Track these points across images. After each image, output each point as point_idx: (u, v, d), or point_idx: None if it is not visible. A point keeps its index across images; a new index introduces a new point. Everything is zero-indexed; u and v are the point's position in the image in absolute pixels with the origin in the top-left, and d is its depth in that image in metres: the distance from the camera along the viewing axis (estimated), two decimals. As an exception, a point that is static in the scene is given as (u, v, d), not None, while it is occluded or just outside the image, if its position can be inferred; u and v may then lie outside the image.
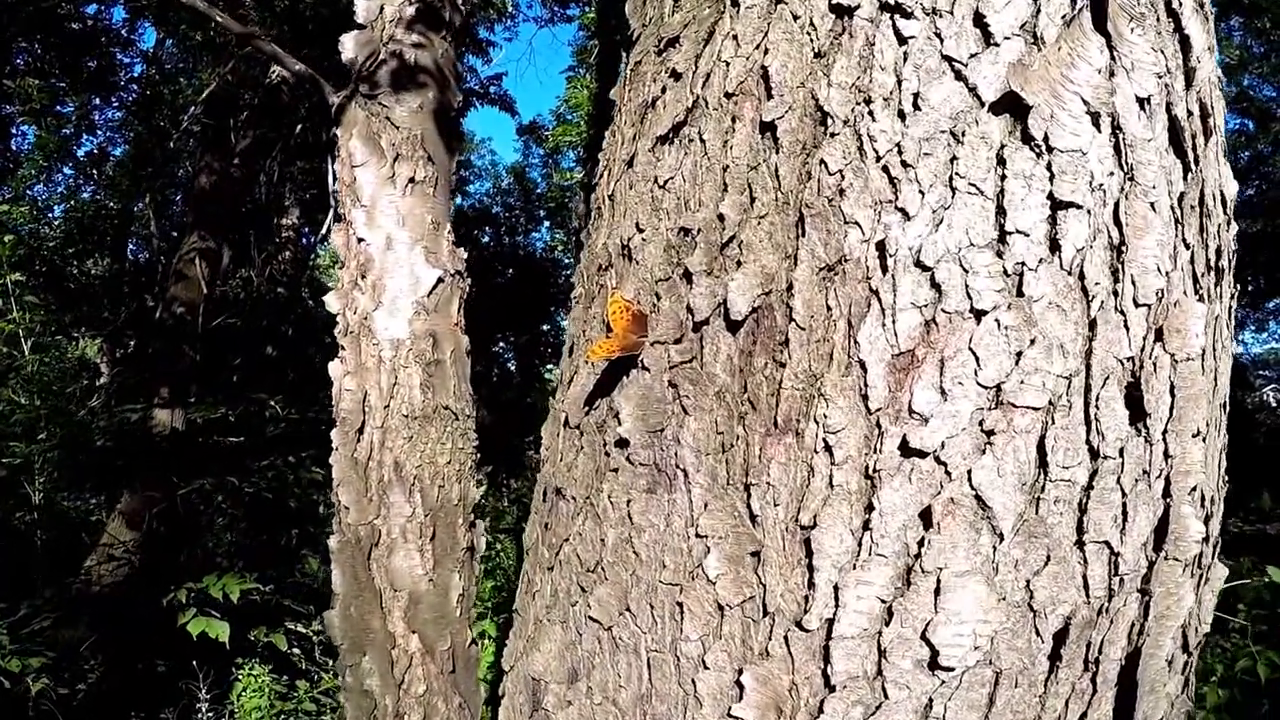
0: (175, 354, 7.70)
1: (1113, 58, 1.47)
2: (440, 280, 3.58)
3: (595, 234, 2.02)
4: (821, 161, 1.56)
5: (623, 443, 1.73)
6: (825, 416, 1.51)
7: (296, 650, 5.88)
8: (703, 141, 1.73)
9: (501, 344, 15.90)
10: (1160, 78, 1.51)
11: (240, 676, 5.48)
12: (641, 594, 1.69)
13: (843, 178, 1.54)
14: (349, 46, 3.75)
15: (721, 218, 1.65)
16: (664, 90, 1.87)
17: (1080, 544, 1.47)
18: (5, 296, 7.32)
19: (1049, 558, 1.46)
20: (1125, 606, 1.49)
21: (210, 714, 5.32)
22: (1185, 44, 1.58)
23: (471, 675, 3.72)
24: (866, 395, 1.49)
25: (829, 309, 1.53)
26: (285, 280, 10.19)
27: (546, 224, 22.05)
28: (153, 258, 12.79)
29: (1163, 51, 1.53)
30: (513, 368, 16.33)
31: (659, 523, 1.67)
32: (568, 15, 17.33)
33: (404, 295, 3.55)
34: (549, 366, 16.08)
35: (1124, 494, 1.46)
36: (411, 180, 3.64)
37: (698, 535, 1.61)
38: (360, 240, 3.58)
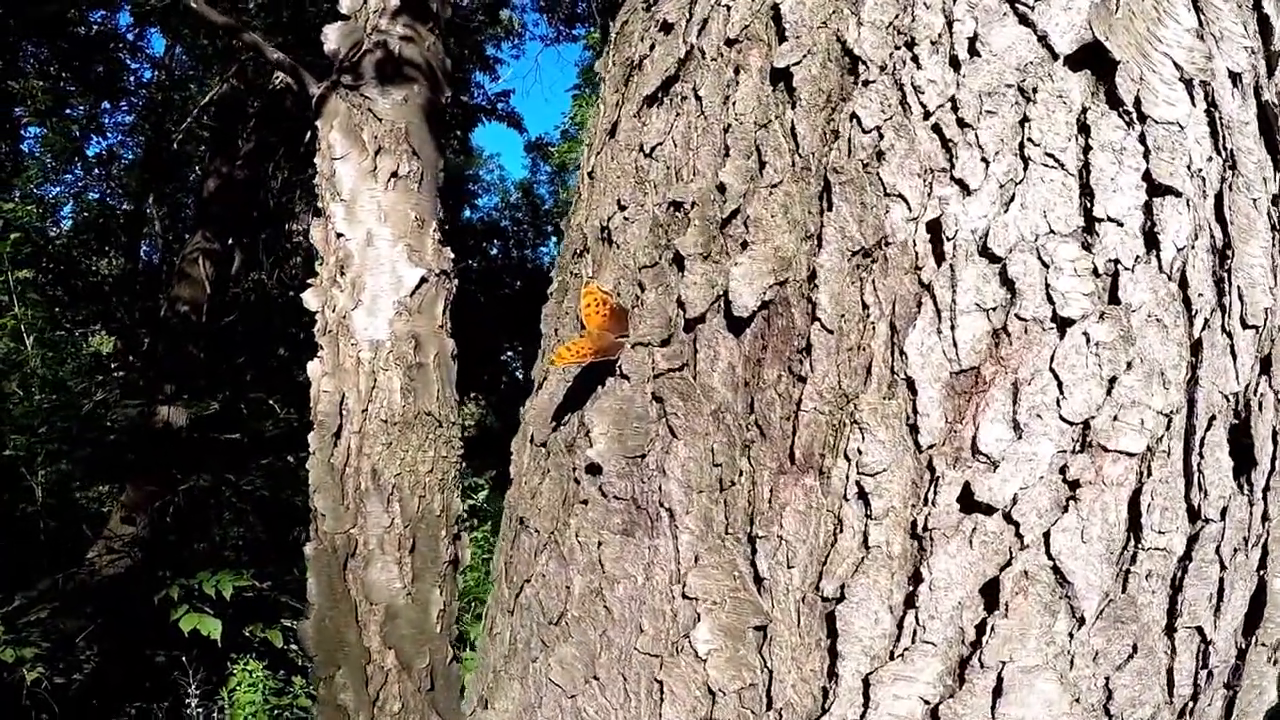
0: (179, 352, 7.37)
1: (1199, 21, 1.08)
2: (424, 280, 3.14)
3: (573, 216, 1.58)
4: (853, 116, 1.11)
5: (594, 469, 1.27)
6: (860, 453, 1.06)
7: (294, 646, 5.52)
8: (698, 98, 1.28)
9: (510, 352, 15.68)
10: (1250, 54, 1.13)
11: (235, 671, 5.16)
12: (613, 660, 1.23)
13: (881, 137, 1.09)
14: (332, 38, 3.34)
15: (722, 188, 1.19)
16: (653, 47, 1.41)
17: (1170, 630, 1.07)
18: (9, 293, 7.03)
19: (1135, 648, 1.05)
20: (1210, 706, 1.14)
21: (200, 709, 4.96)
22: (1265, 26, 1.19)
23: (452, 693, 3.29)
24: (916, 426, 1.05)
25: (865, 307, 1.08)
26: (296, 284, 9.83)
27: (554, 239, 21.77)
28: (161, 259, 12.53)
29: (1246, 26, 1.14)
30: (520, 375, 16.04)
31: (636, 574, 1.22)
32: (573, 35, 16.96)
33: (385, 294, 3.12)
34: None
35: (1223, 566, 1.09)
36: (394, 174, 3.21)
37: (685, 596, 1.15)
38: (339, 235, 3.16)
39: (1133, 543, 1.04)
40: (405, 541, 3.13)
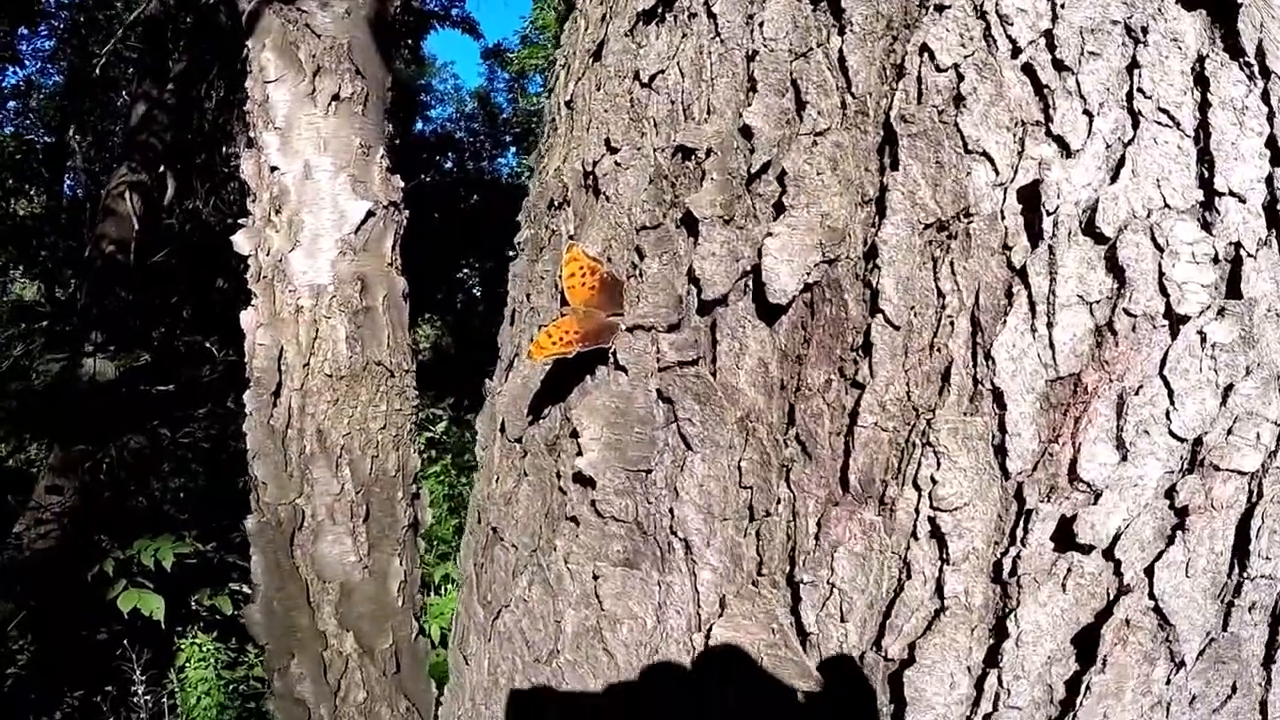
0: (106, 297, 7.08)
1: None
2: (370, 214, 2.86)
3: (547, 156, 1.35)
4: (924, 49, 0.90)
5: (585, 480, 1.08)
6: (935, 482, 0.88)
7: (243, 609, 5.37)
8: (712, 15, 1.05)
9: (466, 270, 15.34)
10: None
11: (183, 646, 4.98)
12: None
13: (959, 78, 0.89)
14: (263, -61, 3.05)
15: (748, 132, 0.98)
16: (648, -55, 1.17)
17: (1269, 662, 0.93)
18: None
19: (1234, 688, 0.93)
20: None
21: (148, 696, 4.80)
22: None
23: (420, 673, 3.13)
24: (1004, 448, 0.87)
25: (941, 296, 0.89)
26: (234, 211, 9.54)
27: (512, 149, 21.39)
28: (87, 193, 12.13)
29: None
30: (478, 293, 15.76)
31: (644, 615, 1.04)
32: (536, -68, 16.38)
33: (326, 233, 2.85)
34: (515, 293, 15.82)
35: (1326, 583, 0.95)
36: (335, 97, 2.91)
37: (710, 649, 0.98)
38: (273, 169, 2.87)
39: (1238, 572, 0.90)
40: (358, 509, 2.91)
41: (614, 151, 1.14)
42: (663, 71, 1.09)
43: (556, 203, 1.26)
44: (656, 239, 1.05)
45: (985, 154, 0.89)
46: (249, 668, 5.02)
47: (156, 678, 4.88)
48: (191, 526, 5.92)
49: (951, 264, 0.89)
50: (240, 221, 3.02)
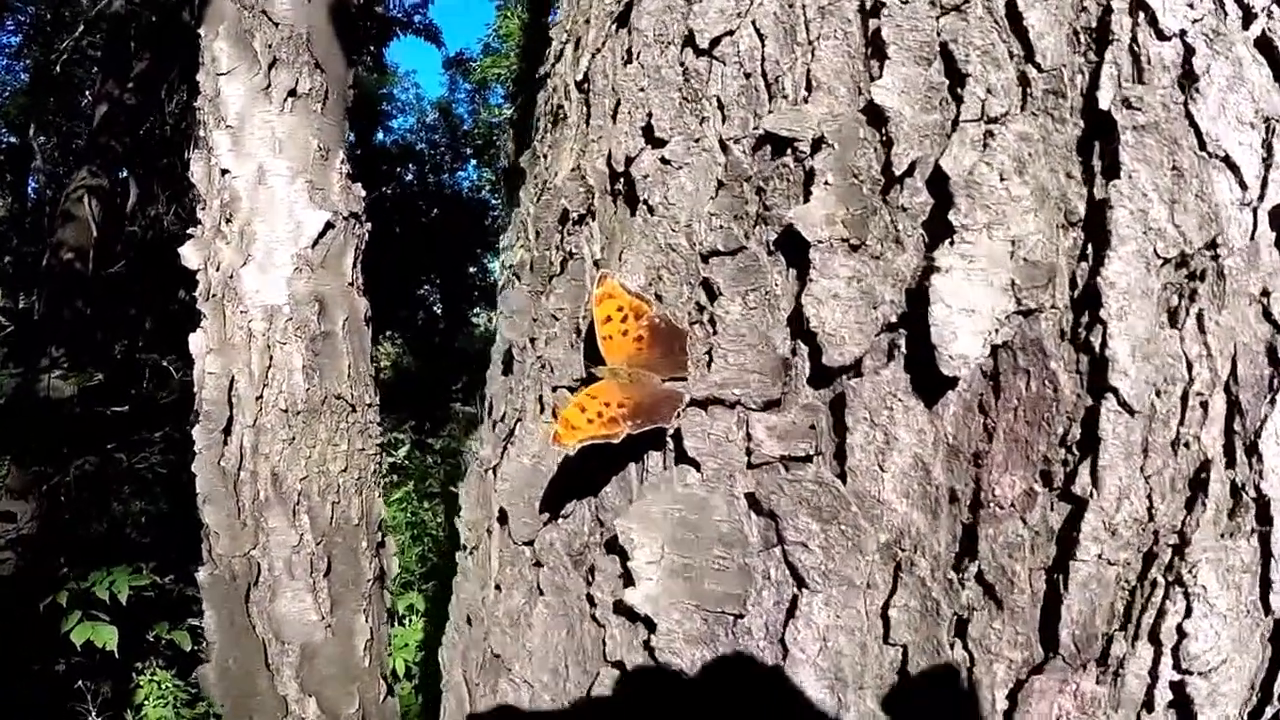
0: (64, 309, 6.79)
1: None
2: (329, 226, 2.58)
3: (555, 155, 1.03)
4: (1139, 7, 0.63)
5: (636, 617, 0.77)
6: (1184, 633, 0.61)
7: (204, 644, 5.14)
8: (804, -39, 0.74)
9: (426, 286, 15.06)
10: None
11: (141, 683, 4.77)
12: None
13: (1188, 51, 0.63)
14: (217, -80, 2.72)
15: (879, 115, 0.68)
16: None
17: None
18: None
19: None
20: None
21: None
22: None
23: (389, 737, 2.86)
24: (1269, 579, 0.62)
25: (1189, 366, 0.61)
26: (196, 222, 9.28)
27: (473, 162, 21.24)
28: (47, 197, 11.90)
29: None
30: (439, 310, 15.46)
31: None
32: (500, -64, 16.11)
33: (281, 246, 2.55)
34: (476, 310, 15.63)
35: None
36: (292, 93, 2.62)
37: None
38: (224, 172, 2.59)
39: None
40: (319, 562, 2.65)
41: (658, 144, 0.83)
42: (731, 33, 0.78)
43: (575, 216, 0.94)
44: (737, 270, 0.74)
45: (1228, 159, 0.62)
46: (209, 705, 4.81)
47: (114, 719, 4.68)
48: (150, 556, 5.64)
49: (1199, 317, 0.60)
50: (191, 231, 2.74)
